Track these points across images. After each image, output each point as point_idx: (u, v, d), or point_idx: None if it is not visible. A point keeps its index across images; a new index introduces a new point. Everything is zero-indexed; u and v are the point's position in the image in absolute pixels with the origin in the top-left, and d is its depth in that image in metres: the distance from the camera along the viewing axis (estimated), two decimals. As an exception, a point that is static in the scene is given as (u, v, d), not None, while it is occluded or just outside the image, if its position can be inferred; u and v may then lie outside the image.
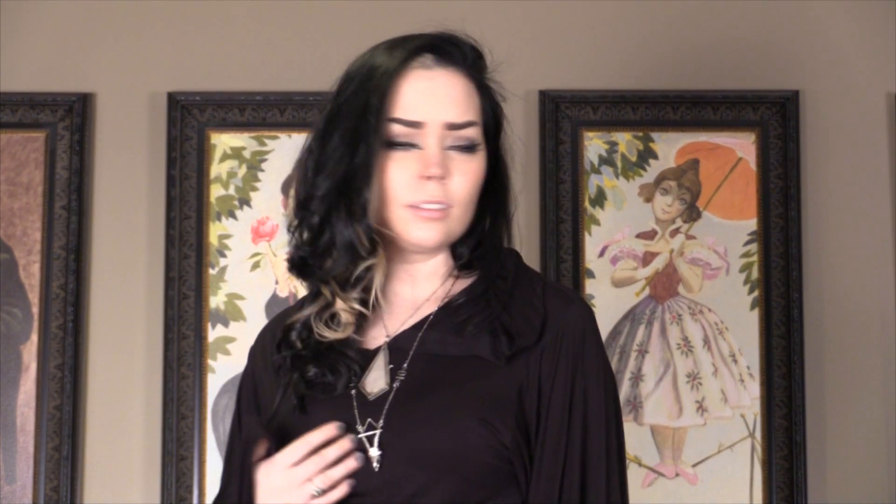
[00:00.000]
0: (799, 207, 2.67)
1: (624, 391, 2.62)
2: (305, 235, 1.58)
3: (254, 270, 2.66)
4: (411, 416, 1.50)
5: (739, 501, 2.61)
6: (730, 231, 2.68)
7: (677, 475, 2.63)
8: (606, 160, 2.70)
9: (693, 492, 2.62)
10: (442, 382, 1.52)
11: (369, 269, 1.56)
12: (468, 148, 1.55)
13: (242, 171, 2.69)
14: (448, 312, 1.57)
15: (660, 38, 2.74)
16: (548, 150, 2.67)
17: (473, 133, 1.55)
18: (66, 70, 2.72)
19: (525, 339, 1.52)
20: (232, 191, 2.68)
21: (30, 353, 2.63)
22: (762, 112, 2.70)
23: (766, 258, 2.67)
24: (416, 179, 1.53)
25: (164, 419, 2.61)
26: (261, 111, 2.69)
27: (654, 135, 2.71)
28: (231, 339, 2.63)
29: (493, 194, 1.61)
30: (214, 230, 2.67)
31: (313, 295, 1.59)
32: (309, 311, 1.58)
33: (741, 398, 2.64)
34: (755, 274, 2.67)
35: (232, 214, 2.68)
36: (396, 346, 1.56)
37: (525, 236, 1.66)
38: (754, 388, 2.64)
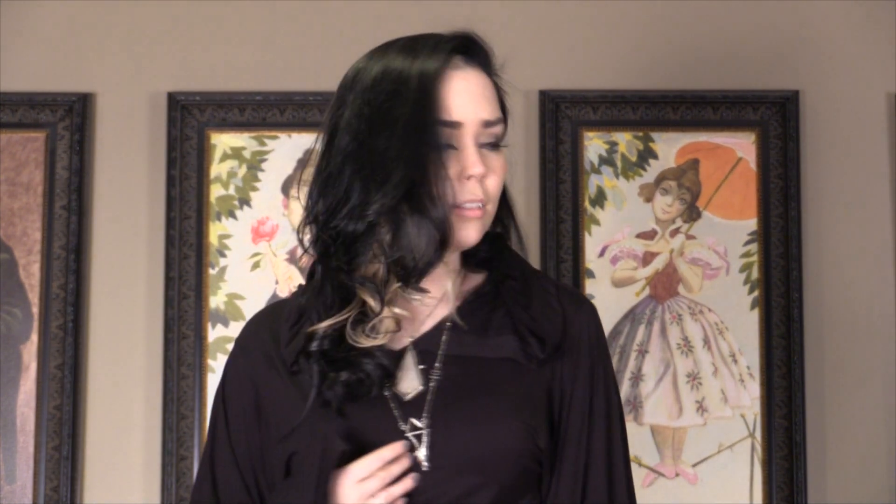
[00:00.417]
0: (799, 207, 2.67)
1: (624, 391, 2.62)
2: (386, 239, 1.52)
3: (254, 270, 2.66)
4: (457, 418, 1.51)
5: (739, 501, 2.61)
6: (730, 231, 2.68)
7: (677, 475, 2.63)
8: (606, 160, 2.70)
9: (693, 492, 2.62)
10: (481, 384, 1.53)
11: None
12: (497, 145, 1.57)
13: (242, 171, 2.69)
14: (467, 312, 1.58)
15: (660, 38, 2.74)
16: (548, 150, 2.67)
17: (501, 129, 1.57)
18: (66, 70, 2.72)
19: (553, 342, 1.55)
20: (232, 191, 2.68)
21: (30, 353, 2.63)
22: (762, 112, 2.70)
23: (766, 258, 2.67)
24: (457, 180, 1.53)
25: (164, 419, 2.61)
26: (261, 111, 2.69)
27: (654, 135, 2.71)
28: (231, 339, 2.63)
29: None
30: (214, 230, 2.67)
31: (338, 301, 1.55)
32: (337, 319, 1.54)
33: (741, 398, 2.64)
34: (755, 274, 2.67)
35: (232, 214, 2.68)
36: (422, 348, 1.56)
37: (525, 236, 1.67)
38: (754, 388, 2.64)
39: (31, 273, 2.65)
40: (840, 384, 2.66)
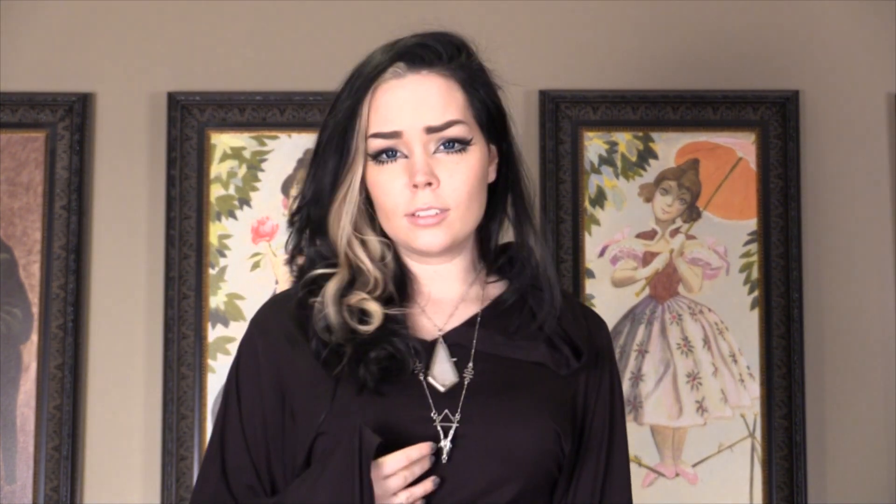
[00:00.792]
0: (799, 207, 2.67)
1: (624, 391, 2.61)
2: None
3: (254, 270, 2.66)
4: (492, 413, 1.51)
5: (739, 501, 2.61)
6: (730, 231, 2.68)
7: (677, 475, 2.63)
8: (606, 160, 2.70)
9: (693, 492, 2.62)
10: (515, 383, 1.54)
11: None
12: (457, 147, 1.54)
13: (242, 171, 2.69)
14: (495, 313, 1.59)
15: (660, 38, 2.74)
16: (548, 150, 2.67)
17: (459, 131, 1.54)
18: (66, 70, 2.72)
19: (588, 355, 1.58)
20: (232, 191, 2.68)
21: (30, 353, 2.63)
22: (762, 112, 2.70)
23: (766, 258, 2.67)
24: (408, 188, 1.53)
25: (164, 419, 2.61)
26: (261, 111, 2.69)
27: (654, 135, 2.71)
28: (231, 339, 2.63)
29: (505, 183, 1.62)
30: (214, 230, 2.67)
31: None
32: (334, 309, 1.56)
33: (741, 398, 2.64)
34: (755, 274, 2.67)
35: (232, 214, 2.68)
36: (452, 342, 1.57)
37: (539, 237, 1.66)
38: (754, 388, 2.64)
39: (31, 273, 2.65)
40: (840, 384, 2.66)
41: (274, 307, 1.64)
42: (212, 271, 2.66)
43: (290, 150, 2.69)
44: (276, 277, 2.66)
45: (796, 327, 2.63)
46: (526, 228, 1.62)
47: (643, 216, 2.69)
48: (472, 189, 1.55)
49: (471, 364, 1.55)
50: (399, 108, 1.54)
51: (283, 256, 2.66)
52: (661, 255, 2.68)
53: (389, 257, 1.59)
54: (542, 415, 1.52)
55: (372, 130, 1.54)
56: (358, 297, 1.55)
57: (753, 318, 2.66)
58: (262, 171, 2.69)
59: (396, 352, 1.52)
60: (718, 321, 2.66)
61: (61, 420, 2.60)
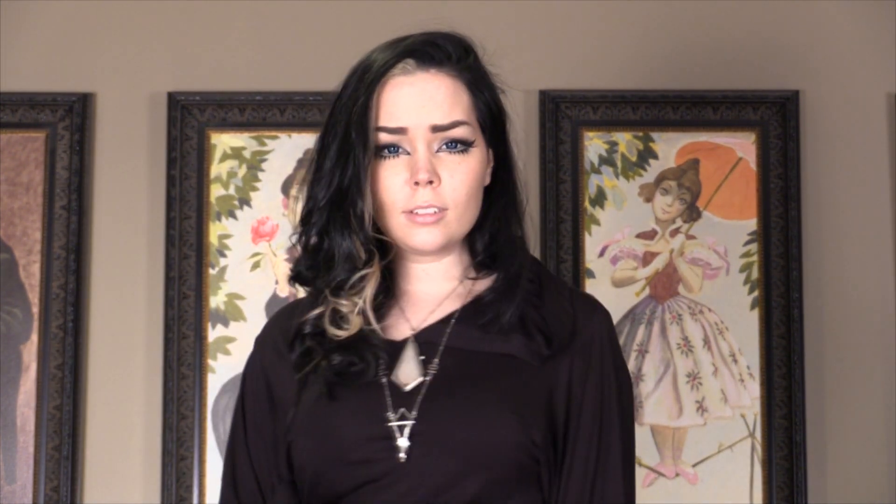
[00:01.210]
0: (799, 207, 2.67)
1: (624, 391, 2.62)
2: (309, 244, 1.59)
3: (254, 270, 2.66)
4: (445, 409, 1.50)
5: (739, 501, 2.61)
6: (730, 231, 2.68)
7: (677, 475, 2.63)
8: (606, 160, 2.70)
9: (693, 492, 2.62)
10: (476, 377, 1.53)
11: (363, 277, 1.56)
12: (460, 148, 1.55)
13: (242, 171, 2.69)
14: (475, 309, 1.58)
15: (660, 38, 2.74)
16: (548, 150, 2.67)
17: (463, 132, 1.55)
18: (66, 70, 2.72)
19: (560, 341, 1.54)
20: (232, 191, 2.68)
21: (30, 353, 2.63)
22: (762, 112, 2.70)
23: (766, 258, 2.67)
24: (409, 185, 1.53)
25: (164, 419, 2.61)
26: (261, 111, 2.69)
27: (654, 135, 2.71)
28: (231, 339, 2.63)
29: (501, 188, 1.61)
30: (214, 230, 2.67)
31: (316, 295, 1.59)
32: (318, 311, 1.57)
33: (741, 398, 2.64)
34: (755, 274, 2.67)
35: (232, 214, 2.68)
36: (424, 340, 1.56)
37: (529, 237, 1.66)
38: (754, 388, 2.64)
39: (31, 273, 2.65)
40: (840, 384, 2.66)
41: (272, 322, 1.68)
42: (212, 271, 2.66)
43: (290, 150, 2.69)
44: (275, 277, 2.66)
45: (796, 327, 2.63)
46: (515, 232, 1.62)
47: (643, 216, 2.69)
48: (471, 190, 1.56)
49: (436, 360, 1.54)
50: (406, 105, 1.54)
51: (283, 256, 2.66)
52: (661, 255, 2.68)
53: (376, 259, 1.59)
54: (501, 405, 1.50)
55: (378, 124, 1.54)
56: (349, 305, 1.56)
57: (753, 318, 2.66)
58: (263, 171, 2.69)
59: (359, 358, 1.53)
60: (718, 321, 2.66)
61: (61, 420, 2.60)
